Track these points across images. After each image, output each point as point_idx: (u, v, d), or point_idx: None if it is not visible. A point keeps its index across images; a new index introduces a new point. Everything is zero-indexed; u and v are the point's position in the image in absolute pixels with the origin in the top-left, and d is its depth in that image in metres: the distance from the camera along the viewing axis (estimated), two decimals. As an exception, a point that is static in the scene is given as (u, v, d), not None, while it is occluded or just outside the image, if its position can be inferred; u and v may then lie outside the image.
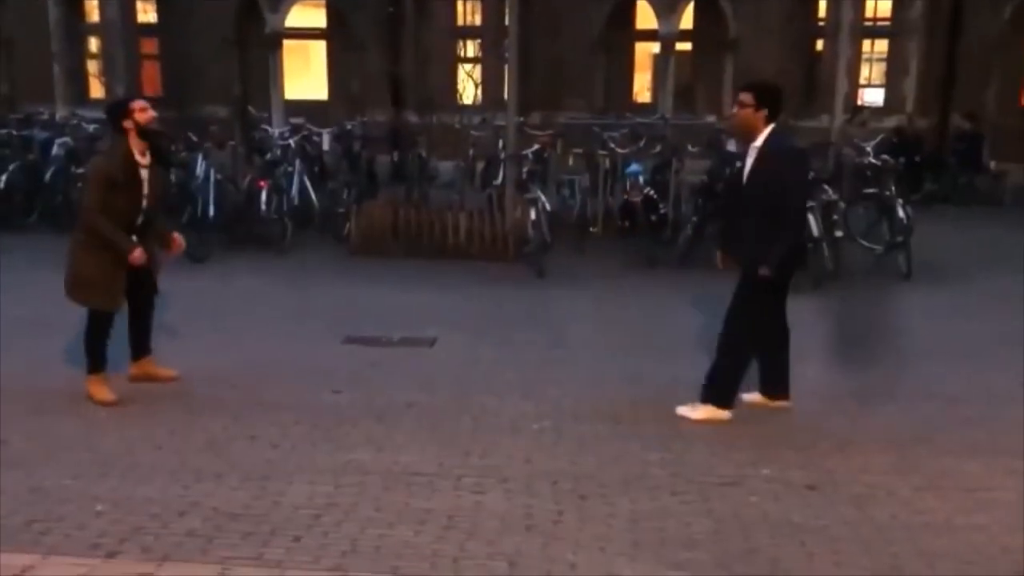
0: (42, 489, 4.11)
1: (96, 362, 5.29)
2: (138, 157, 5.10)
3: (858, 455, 4.65)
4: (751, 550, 3.69)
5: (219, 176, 9.91)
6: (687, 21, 17.66)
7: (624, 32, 18.22)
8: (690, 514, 3.99)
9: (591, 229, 10.63)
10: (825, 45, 16.23)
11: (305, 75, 19.72)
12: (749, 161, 4.97)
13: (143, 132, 5.07)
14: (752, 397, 5.33)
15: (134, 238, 5.16)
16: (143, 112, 5.05)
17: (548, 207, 9.57)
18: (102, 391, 5.25)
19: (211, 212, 9.52)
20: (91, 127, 12.62)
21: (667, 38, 16.82)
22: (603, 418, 5.14)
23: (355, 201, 10.42)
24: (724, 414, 5.11)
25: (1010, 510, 4.05)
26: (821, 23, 16.73)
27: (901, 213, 9.07)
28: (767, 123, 4.86)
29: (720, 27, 17.21)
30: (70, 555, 3.54)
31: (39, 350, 6.22)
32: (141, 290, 5.35)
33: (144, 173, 5.13)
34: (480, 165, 12.39)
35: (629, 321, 7.35)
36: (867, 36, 16.26)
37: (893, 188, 9.46)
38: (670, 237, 10.05)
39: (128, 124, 5.04)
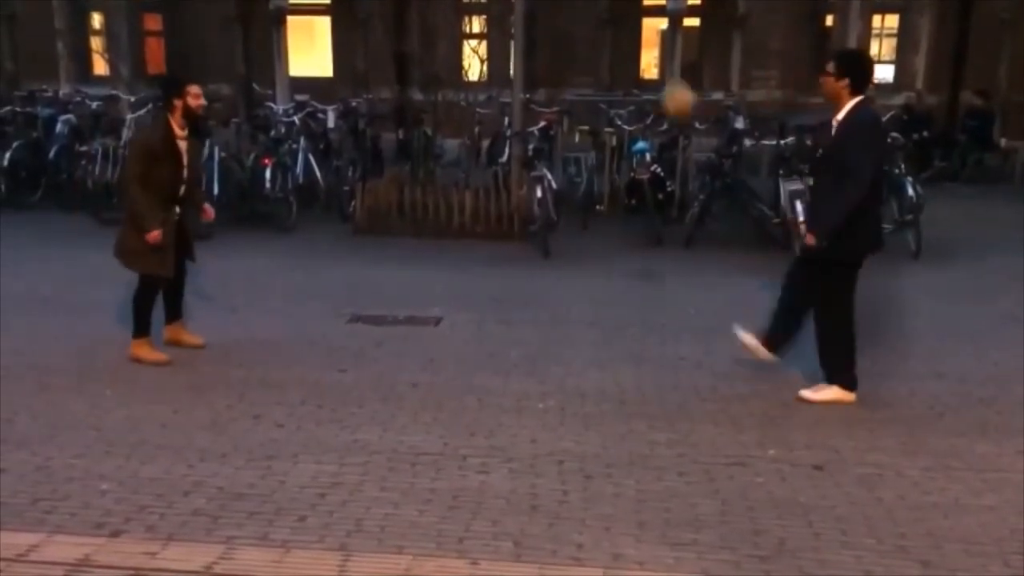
0: (47, 468, 4.11)
1: (142, 325, 5.54)
2: (178, 131, 5.38)
3: (866, 435, 4.63)
4: (757, 531, 3.67)
5: (223, 154, 9.86)
6: (695, -3, 17.49)
7: (631, 7, 18.05)
8: (696, 494, 3.97)
9: (597, 207, 10.56)
10: (835, 20, 16.04)
11: (309, 52, 19.61)
12: (832, 131, 4.91)
13: (189, 114, 5.36)
14: (748, 337, 5.35)
15: (177, 209, 5.50)
16: (196, 98, 5.36)
17: (554, 185, 9.50)
18: (150, 353, 5.53)
19: (215, 190, 9.46)
20: (94, 104, 12.56)
21: (675, 13, 16.64)
22: (609, 398, 5.12)
23: (360, 179, 10.36)
24: (850, 396, 5.02)
25: (1019, 491, 4.02)
26: (830, -2, 16.55)
27: (910, 191, 8.99)
28: (852, 94, 4.78)
29: (729, 3, 17.02)
30: (75, 534, 3.54)
31: (43, 328, 6.22)
32: (177, 257, 5.62)
33: (183, 146, 5.41)
34: (486, 143, 12.31)
35: (635, 300, 7.31)
36: (877, 11, 16.09)
37: (902, 166, 9.37)
38: (677, 215, 10.00)
39: (178, 103, 5.32)
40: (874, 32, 16.80)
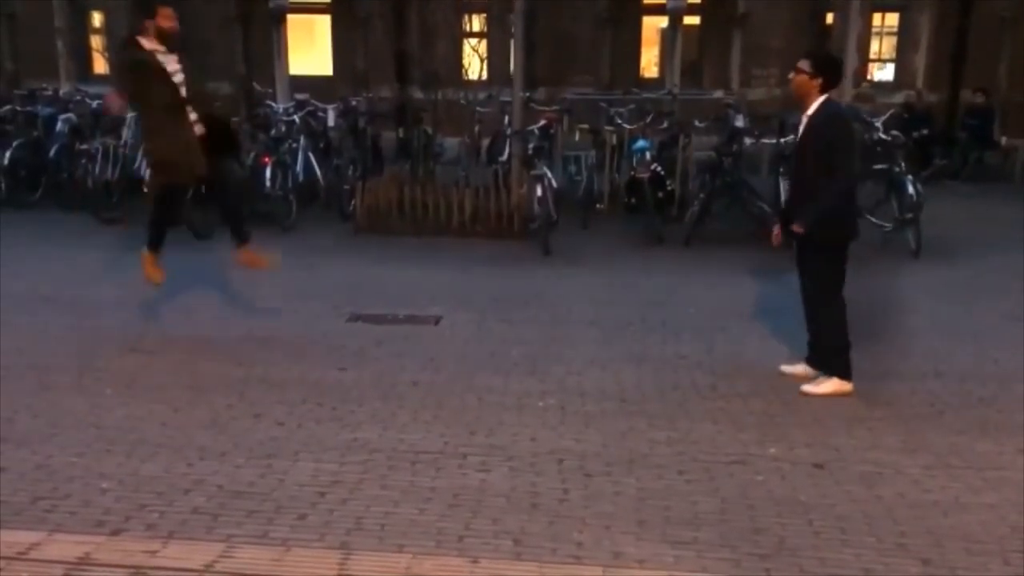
0: (47, 466, 4.11)
1: (154, 238, 5.73)
2: (149, 45, 5.39)
3: (866, 433, 4.63)
4: (757, 529, 3.67)
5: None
6: (695, -5, 17.48)
7: (631, 6, 18.04)
8: (696, 493, 3.97)
9: (597, 206, 10.55)
10: (835, 19, 16.03)
11: (309, 50, 19.60)
12: (800, 130, 5.10)
13: (162, 35, 5.40)
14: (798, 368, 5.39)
15: (190, 111, 5.53)
16: (167, 19, 5.40)
17: (554, 184, 9.49)
18: (152, 270, 5.76)
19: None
20: (95, 103, 12.53)
21: (675, 12, 16.63)
22: (609, 396, 5.12)
23: (360, 178, 10.36)
24: (847, 386, 5.12)
25: (1019, 489, 4.02)
26: (831, -3, 16.53)
27: (910, 189, 8.98)
28: (821, 92, 4.96)
29: (729, 1, 17.01)
30: (75, 532, 3.54)
31: (44, 327, 6.22)
32: (216, 180, 5.82)
33: (161, 59, 5.41)
34: (486, 141, 12.29)
35: (635, 299, 7.31)
36: (877, 10, 16.08)
37: (902, 164, 9.36)
38: (677, 214, 9.99)
39: (149, 23, 5.38)
40: (874, 30, 16.80)
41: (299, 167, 10.35)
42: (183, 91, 5.50)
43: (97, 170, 10.17)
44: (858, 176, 5.04)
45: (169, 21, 5.41)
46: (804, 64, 5.01)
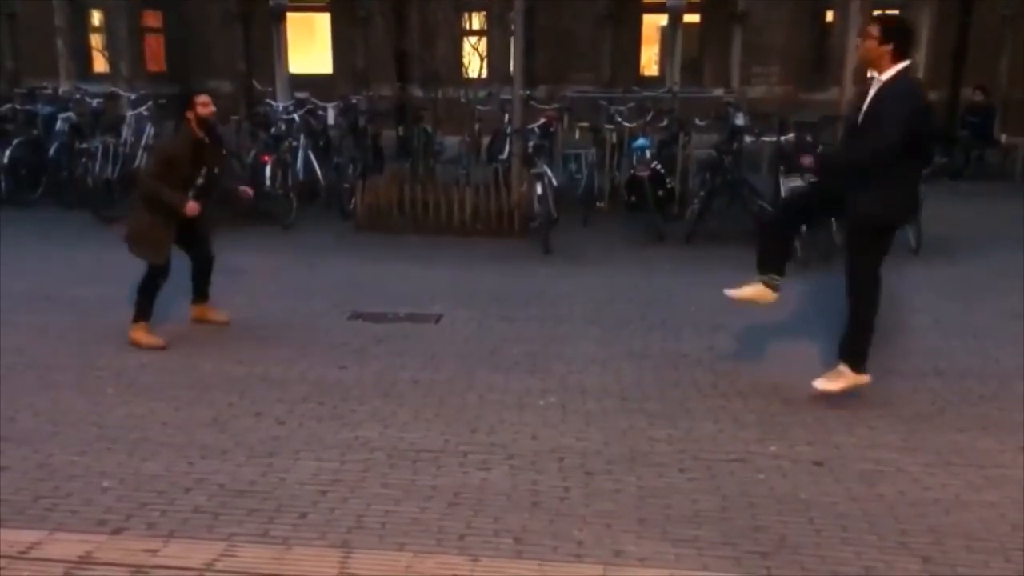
0: (48, 465, 4.12)
1: (141, 311, 5.89)
2: (198, 137, 5.85)
3: (866, 432, 4.63)
4: (758, 527, 3.68)
5: (224, 151, 9.84)
6: (695, -7, 17.46)
7: (631, 4, 18.02)
8: (697, 491, 3.97)
9: (598, 204, 10.54)
10: (835, 16, 16.03)
11: (309, 49, 19.59)
12: (868, 97, 4.75)
13: (202, 122, 5.84)
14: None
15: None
16: (204, 107, 5.84)
17: (554, 182, 9.49)
18: (147, 337, 5.84)
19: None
20: (94, 102, 12.54)
21: (675, 10, 16.61)
22: (610, 394, 5.12)
23: (360, 176, 10.35)
24: (864, 378, 4.93)
25: (1020, 487, 4.02)
26: (831, -6, 16.53)
27: (911, 187, 8.96)
28: (894, 59, 4.64)
29: (729, -1, 17.01)
30: (76, 531, 3.54)
31: (45, 325, 6.22)
32: (197, 244, 6.11)
33: (202, 151, 5.89)
34: (486, 140, 12.29)
35: (636, 297, 7.31)
36: (877, 7, 16.02)
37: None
38: (677, 212, 9.99)
39: (191, 115, 5.81)
40: (875, 28, 16.78)
41: (299, 165, 10.35)
42: (201, 180, 5.91)
43: (97, 169, 10.19)
44: (889, 150, 4.52)
45: (206, 107, 5.84)
46: (873, 29, 4.70)
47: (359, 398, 5.02)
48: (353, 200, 9.90)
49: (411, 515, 3.72)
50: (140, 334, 5.85)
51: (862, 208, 4.72)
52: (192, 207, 5.77)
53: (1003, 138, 13.96)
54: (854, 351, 4.94)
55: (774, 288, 5.18)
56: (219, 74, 17.20)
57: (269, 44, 17.64)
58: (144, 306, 5.90)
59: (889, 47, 4.65)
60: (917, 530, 3.66)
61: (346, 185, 10.30)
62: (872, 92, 4.74)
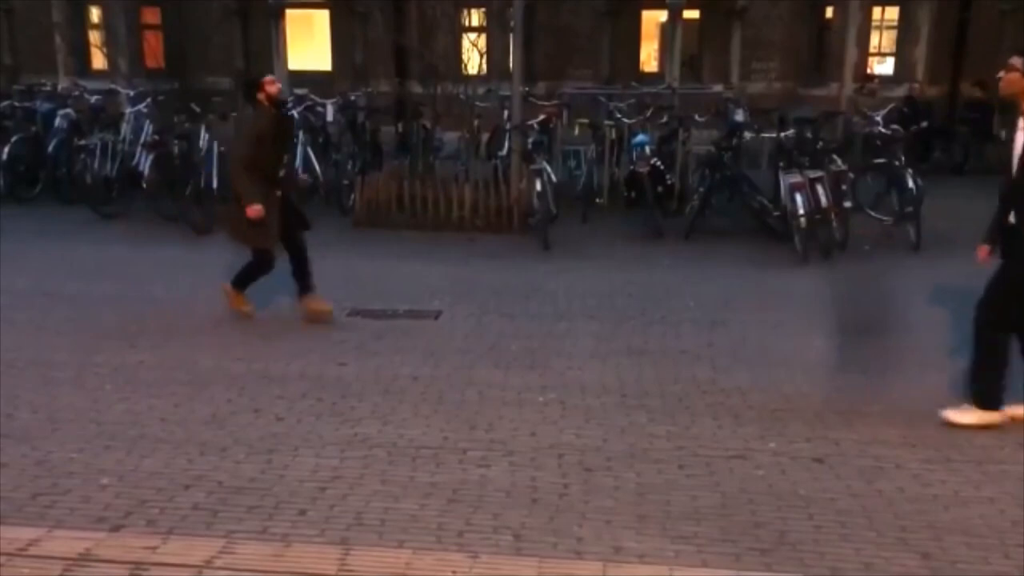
0: (47, 462, 4.11)
1: (239, 281, 6.23)
2: (276, 113, 6.05)
3: (866, 428, 4.62)
4: (757, 523, 3.67)
5: (222, 148, 9.83)
6: (694, -11, 17.42)
7: (631, 0, 17.99)
8: (696, 487, 3.97)
9: (597, 200, 10.54)
10: (835, 12, 16.00)
11: (308, 45, 19.55)
12: (1018, 143, 4.45)
13: (272, 100, 6.00)
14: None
15: (278, 192, 6.10)
16: (272, 84, 5.99)
17: (554, 178, 9.49)
18: (236, 300, 6.23)
19: (215, 184, 9.46)
20: (93, 98, 12.52)
21: (675, 6, 16.60)
22: (609, 391, 5.12)
23: (359, 173, 10.34)
24: (993, 417, 4.56)
25: (1019, 483, 4.02)
26: (831, -10, 16.50)
27: (910, 183, 8.97)
28: None
29: (728, -6, 16.98)
30: (75, 528, 3.54)
31: (44, 322, 6.21)
32: (295, 236, 6.25)
33: (283, 129, 6.15)
34: (485, 136, 12.28)
35: (635, 293, 7.31)
36: (877, 3, 16.03)
37: (902, 158, 9.35)
38: (676, 208, 9.99)
39: (262, 96, 5.95)
40: (874, 24, 16.74)
41: (298, 162, 10.32)
42: (286, 158, 6.29)
43: (96, 165, 10.17)
44: None
45: (274, 85, 6.00)
46: (1016, 61, 4.39)
47: (358, 394, 5.01)
48: (352, 196, 9.90)
49: (410, 512, 3.72)
50: (231, 297, 6.23)
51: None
52: (255, 210, 5.85)
53: (1002, 134, 13.93)
54: (981, 391, 4.61)
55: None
56: (218, 71, 17.19)
57: (268, 41, 17.63)
58: (244, 281, 6.21)
59: None
60: (916, 526, 3.66)
61: (345, 182, 10.29)
62: (1019, 137, 4.42)
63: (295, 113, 10.84)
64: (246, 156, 5.93)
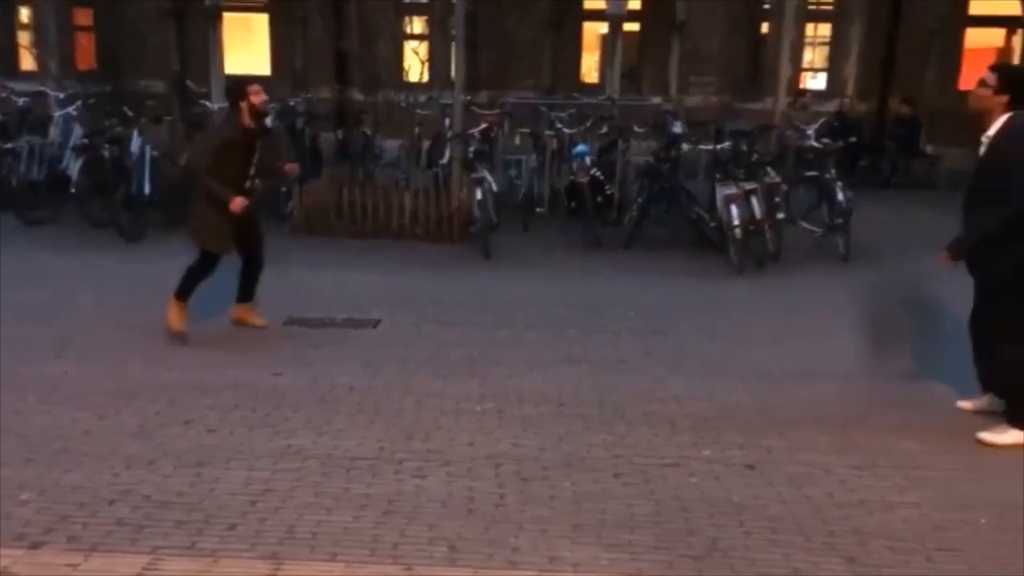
0: (-37, 478, 3.95)
1: (183, 289, 5.97)
2: (249, 127, 5.84)
3: (797, 435, 4.71)
4: (691, 530, 3.71)
5: (155, 153, 9.61)
6: (635, 1, 17.63)
7: (572, 11, 18.14)
8: (632, 496, 4.00)
9: (537, 210, 10.59)
10: (770, 28, 16.35)
11: (246, 49, 19.23)
12: (981, 151, 4.58)
13: (254, 111, 5.81)
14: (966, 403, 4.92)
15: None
16: (257, 95, 5.80)
17: (495, 187, 9.49)
18: (177, 318, 5.95)
19: (147, 190, 9.23)
20: (21, 100, 12.15)
21: (615, 18, 16.79)
22: (547, 400, 5.13)
23: (298, 180, 10.20)
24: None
25: (943, 488, 4.15)
26: (766, 6, 16.85)
27: (840, 196, 9.20)
28: (1005, 110, 4.43)
29: (668, 8, 17.23)
30: (-8, 546, 3.41)
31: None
32: (252, 245, 6.13)
33: (253, 142, 5.89)
34: (426, 144, 12.24)
35: (575, 302, 7.34)
36: (811, 20, 16.40)
37: (833, 171, 9.59)
38: (616, 218, 10.08)
39: (243, 104, 5.79)
40: (807, 40, 17.14)
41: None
42: (252, 171, 5.93)
43: (23, 169, 9.85)
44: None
45: (259, 96, 5.81)
46: (989, 78, 4.48)
47: (293, 405, 4.93)
48: (290, 204, 9.76)
49: (344, 524, 3.67)
50: (174, 311, 5.94)
51: (1003, 267, 4.49)
52: (238, 203, 5.70)
53: (928, 149, 14.41)
54: (1017, 415, 4.64)
55: None
56: (152, 74, 16.81)
57: (204, 44, 17.28)
58: (188, 286, 5.96)
59: (1005, 98, 4.45)
60: (843, 531, 3.74)
61: (283, 188, 10.13)
62: (985, 143, 4.53)
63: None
64: (210, 165, 5.73)
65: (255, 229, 6.18)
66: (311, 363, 5.65)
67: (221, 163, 5.73)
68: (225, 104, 12.32)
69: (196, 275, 6.01)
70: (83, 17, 19.04)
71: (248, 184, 5.91)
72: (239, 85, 5.96)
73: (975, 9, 16.36)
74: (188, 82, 15.13)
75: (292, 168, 6.40)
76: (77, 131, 10.74)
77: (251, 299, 6.31)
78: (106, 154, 9.47)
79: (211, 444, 4.40)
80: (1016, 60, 15.97)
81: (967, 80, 16.39)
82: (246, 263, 6.21)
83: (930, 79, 16.13)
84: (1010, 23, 16.24)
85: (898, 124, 14.58)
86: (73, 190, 9.33)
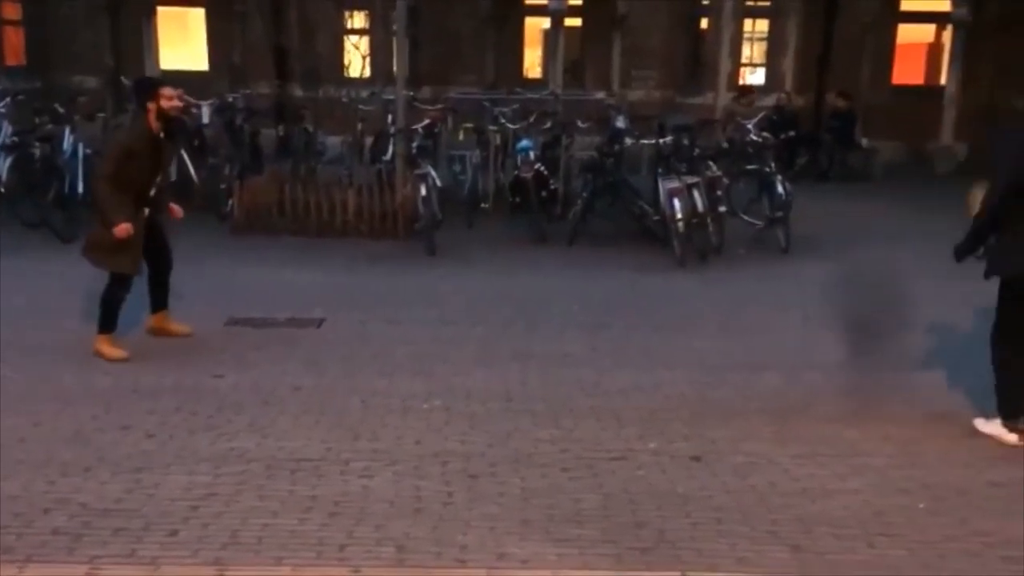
0: None
1: (107, 322, 5.60)
2: (155, 132, 5.50)
3: (741, 425, 4.79)
4: (639, 523, 3.74)
5: (88, 151, 9.35)
6: (577, -4, 17.69)
7: (514, 6, 18.13)
8: (580, 490, 4.01)
9: (482, 205, 10.58)
10: (709, 24, 16.55)
11: (183, 45, 18.82)
12: None
13: (163, 116, 5.48)
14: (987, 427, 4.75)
15: (146, 210, 5.59)
16: (169, 100, 5.48)
17: (438, 183, 9.44)
18: (111, 349, 5.54)
19: (80, 188, 8.99)
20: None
21: (557, 13, 16.83)
22: (494, 396, 5.12)
23: (238, 177, 10.02)
24: (1010, 437, 4.59)
25: (883, 475, 4.25)
26: (705, 2, 17.06)
27: (780, 189, 9.37)
28: None
29: (608, 3, 17.33)
30: (-81, 561, 3.28)
31: None
32: (158, 252, 5.80)
33: (160, 147, 5.57)
34: (369, 140, 12.11)
35: (520, 297, 7.35)
36: (748, 16, 16.66)
37: (772, 165, 9.76)
38: (560, 213, 10.12)
39: (152, 106, 5.44)
40: (746, 35, 17.41)
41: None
42: (159, 178, 5.64)
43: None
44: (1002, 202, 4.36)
45: (171, 101, 5.50)
46: None
47: (235, 407, 4.84)
48: (230, 201, 9.59)
49: (289, 527, 3.61)
50: (105, 346, 5.55)
51: (995, 264, 4.57)
52: (122, 230, 5.30)
53: (864, 142, 14.75)
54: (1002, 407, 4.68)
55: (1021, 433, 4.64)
56: (85, 69, 16.33)
57: (139, 38, 16.85)
58: (110, 316, 5.58)
59: None
60: (787, 519, 3.80)
61: (223, 186, 9.95)
62: None
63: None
64: (112, 172, 5.38)
65: (161, 237, 5.83)
66: (254, 364, 5.56)
67: (124, 171, 5.36)
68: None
69: (113, 302, 5.60)
70: (11, 11, 18.40)
71: (153, 192, 5.57)
72: (150, 85, 5.63)
73: (906, 5, 16.80)
74: (123, 78, 14.71)
75: (177, 211, 5.97)
76: (6, 129, 10.38)
77: (166, 306, 6.01)
78: (37, 152, 9.18)
79: (150, 449, 4.29)
80: (946, 55, 16.41)
81: (899, 75, 16.86)
82: (154, 271, 5.87)
83: (864, 74, 16.51)
84: (940, 19, 16.68)
85: (834, 118, 14.89)
86: (2, 190, 9.03)
